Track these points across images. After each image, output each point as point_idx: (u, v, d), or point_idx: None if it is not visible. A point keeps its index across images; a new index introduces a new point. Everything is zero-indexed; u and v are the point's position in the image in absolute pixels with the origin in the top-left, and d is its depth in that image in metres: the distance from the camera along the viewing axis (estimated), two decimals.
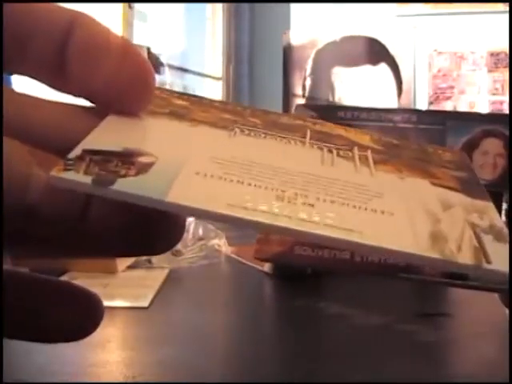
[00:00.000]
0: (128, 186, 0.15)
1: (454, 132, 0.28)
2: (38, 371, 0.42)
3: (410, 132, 0.29)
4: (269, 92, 3.97)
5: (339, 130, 0.22)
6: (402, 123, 0.29)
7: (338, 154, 0.20)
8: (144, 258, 0.81)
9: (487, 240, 0.17)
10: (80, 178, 0.15)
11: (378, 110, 0.30)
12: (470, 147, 0.27)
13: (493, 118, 0.28)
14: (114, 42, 0.18)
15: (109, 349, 0.49)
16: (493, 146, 0.27)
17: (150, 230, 0.19)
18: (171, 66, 3.40)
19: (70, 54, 0.18)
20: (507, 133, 0.27)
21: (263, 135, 0.20)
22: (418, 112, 0.29)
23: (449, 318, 0.56)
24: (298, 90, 4.06)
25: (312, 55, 4.03)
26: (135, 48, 0.18)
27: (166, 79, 3.43)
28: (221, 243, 0.91)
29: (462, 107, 3.74)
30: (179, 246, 0.82)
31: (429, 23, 3.77)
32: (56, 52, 0.18)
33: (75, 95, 0.19)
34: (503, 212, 0.26)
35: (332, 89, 4.04)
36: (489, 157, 0.27)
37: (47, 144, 0.18)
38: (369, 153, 0.21)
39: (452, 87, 3.79)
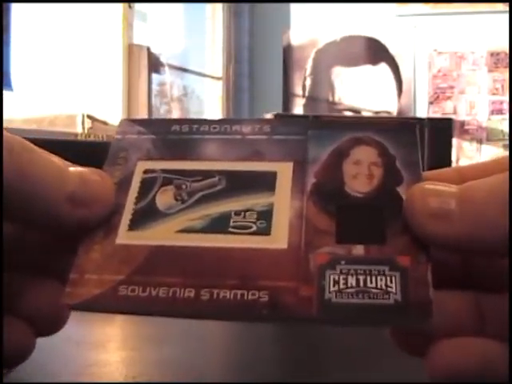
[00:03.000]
0: None
1: (316, 141, 0.25)
2: (38, 371, 0.42)
3: (263, 145, 0.26)
4: (269, 92, 3.98)
5: None
6: (252, 135, 0.26)
7: None
8: None
9: None
10: None
11: (222, 122, 0.26)
12: (339, 156, 0.25)
13: (360, 124, 0.25)
14: None
15: (109, 349, 0.49)
16: (365, 155, 0.24)
17: None
18: (171, 66, 3.40)
19: None
20: (378, 139, 0.25)
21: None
22: (272, 121, 0.26)
23: None
24: (298, 90, 4.07)
25: (312, 55, 4.04)
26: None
27: (166, 79, 3.44)
28: None
29: (462, 107, 3.75)
30: None
31: (429, 23, 3.77)
32: None
33: None
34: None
35: (332, 89, 4.05)
36: (362, 167, 0.24)
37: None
38: None
39: (452, 87, 3.80)
